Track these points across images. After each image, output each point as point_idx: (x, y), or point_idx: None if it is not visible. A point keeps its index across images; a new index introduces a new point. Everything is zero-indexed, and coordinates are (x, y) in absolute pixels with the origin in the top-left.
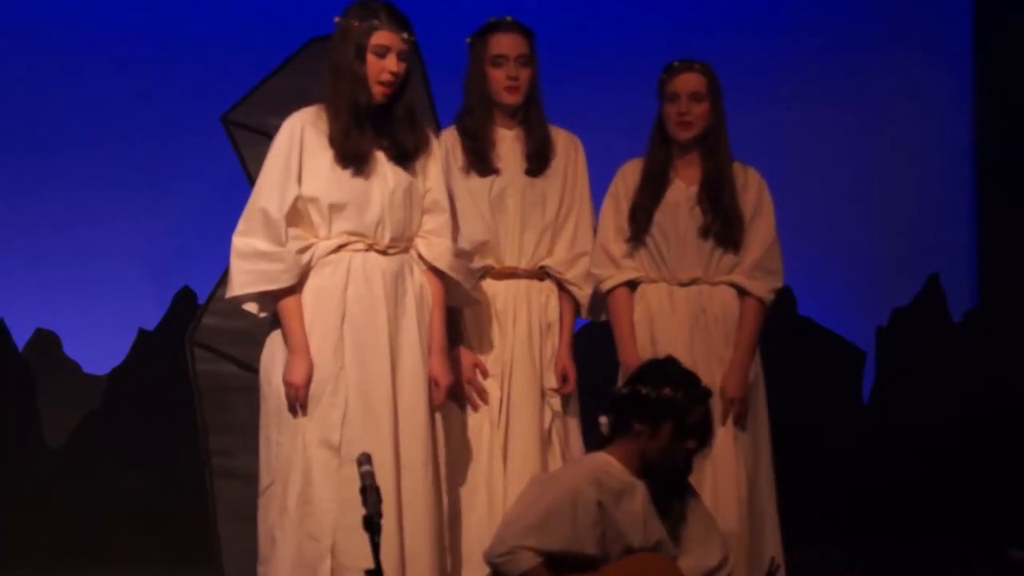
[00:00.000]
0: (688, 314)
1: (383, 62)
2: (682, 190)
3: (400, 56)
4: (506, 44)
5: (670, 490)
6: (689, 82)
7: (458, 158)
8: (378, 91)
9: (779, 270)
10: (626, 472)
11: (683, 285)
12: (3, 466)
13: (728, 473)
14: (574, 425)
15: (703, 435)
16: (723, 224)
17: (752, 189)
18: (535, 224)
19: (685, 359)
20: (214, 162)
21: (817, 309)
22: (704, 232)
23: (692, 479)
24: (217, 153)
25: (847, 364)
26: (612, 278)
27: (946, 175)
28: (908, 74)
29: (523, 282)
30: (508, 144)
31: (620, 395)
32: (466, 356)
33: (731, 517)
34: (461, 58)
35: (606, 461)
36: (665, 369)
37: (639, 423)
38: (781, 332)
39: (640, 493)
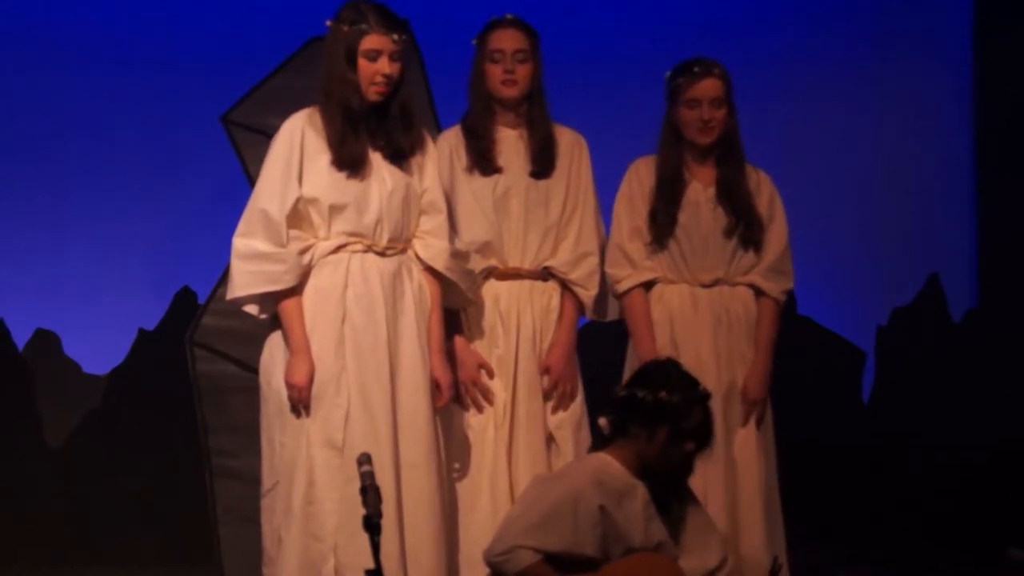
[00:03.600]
0: (711, 314)
1: (375, 66)
2: (700, 191)
3: (392, 57)
4: (503, 39)
5: (669, 492)
6: (711, 88)
7: (462, 158)
8: (372, 92)
9: (791, 272)
10: (627, 473)
11: (705, 286)
12: (3, 466)
13: (750, 473)
14: (585, 426)
15: (702, 438)
16: (747, 225)
17: (765, 192)
18: (538, 225)
19: (709, 360)
20: (214, 162)
21: (817, 309)
22: (728, 232)
23: (708, 478)
24: (217, 153)
25: (847, 364)
26: (629, 278)
27: (946, 175)
28: (908, 74)
29: (526, 283)
30: (511, 143)
31: (618, 398)
32: (471, 356)
33: (754, 517)
34: (461, 59)
35: (607, 462)
36: (664, 372)
37: (636, 427)
38: (781, 332)
39: (641, 494)
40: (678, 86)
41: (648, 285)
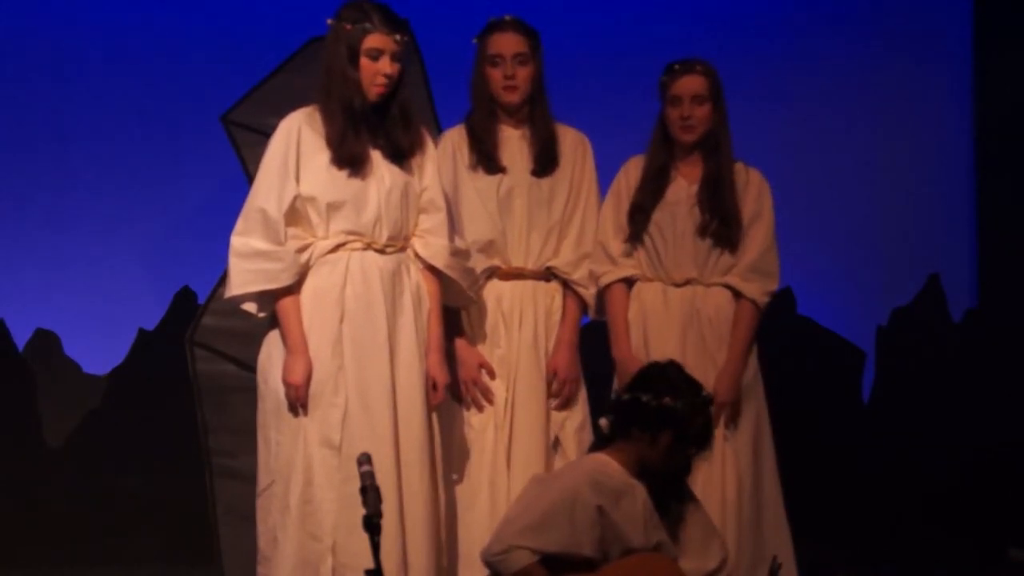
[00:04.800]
0: (681, 314)
1: (376, 65)
2: (683, 189)
3: (393, 57)
4: (503, 43)
5: (668, 492)
6: (691, 85)
7: (465, 157)
8: (373, 92)
9: (775, 273)
10: (625, 473)
11: (677, 285)
12: (3, 466)
13: (713, 476)
14: (588, 425)
15: (703, 442)
16: (721, 223)
17: (753, 191)
18: (541, 224)
19: (676, 359)
20: (214, 162)
21: (817, 309)
22: (702, 231)
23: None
24: (217, 153)
25: (847, 364)
26: (608, 274)
27: (946, 175)
28: (908, 74)
29: (529, 283)
30: (515, 143)
31: (621, 400)
32: (472, 356)
33: (725, 520)
34: (461, 59)
35: (605, 462)
36: (667, 376)
37: (639, 430)
38: (781, 332)
39: (640, 494)
40: (663, 84)
41: (629, 282)
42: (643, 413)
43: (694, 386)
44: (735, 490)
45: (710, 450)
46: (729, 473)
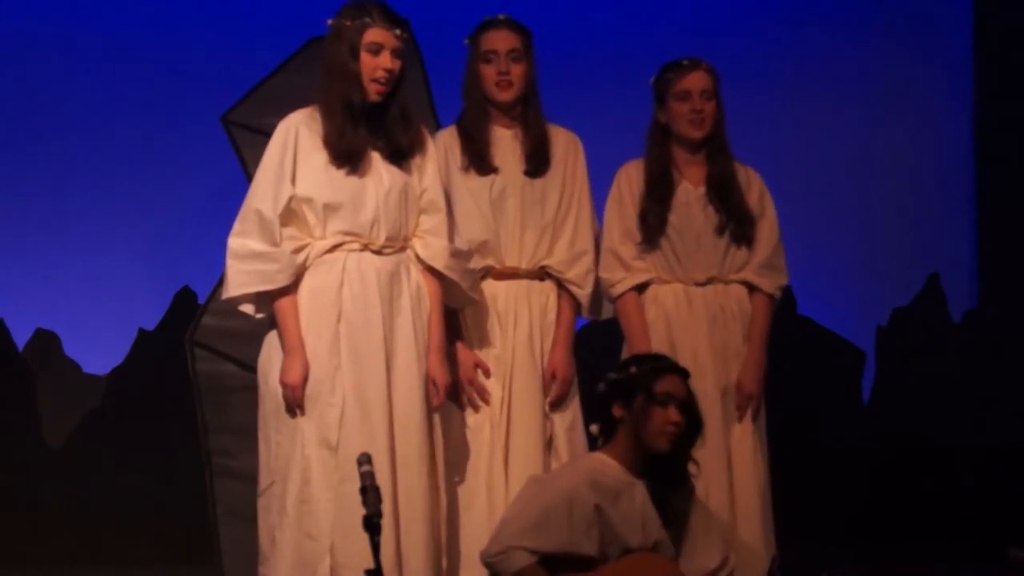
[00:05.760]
0: (706, 313)
1: (377, 59)
2: (690, 191)
3: (394, 53)
4: (496, 40)
5: (669, 484)
6: (700, 80)
7: (457, 158)
8: (373, 88)
9: (784, 268)
10: (624, 472)
11: (699, 285)
12: (3, 466)
13: (747, 468)
14: (578, 425)
15: (685, 409)
16: (737, 222)
17: (755, 189)
18: (535, 224)
19: (706, 358)
20: (214, 162)
21: (817, 309)
22: (720, 230)
23: (710, 474)
24: (217, 153)
25: (847, 364)
26: (624, 281)
27: (946, 175)
28: (908, 74)
29: (524, 282)
30: (507, 143)
31: (597, 393)
32: (468, 356)
33: (752, 511)
34: (462, 59)
35: (603, 461)
36: (633, 356)
37: (617, 407)
38: (781, 332)
39: (639, 493)
40: (667, 81)
41: (642, 286)
42: (616, 389)
43: (660, 356)
44: (764, 482)
45: (701, 434)
46: (759, 465)
